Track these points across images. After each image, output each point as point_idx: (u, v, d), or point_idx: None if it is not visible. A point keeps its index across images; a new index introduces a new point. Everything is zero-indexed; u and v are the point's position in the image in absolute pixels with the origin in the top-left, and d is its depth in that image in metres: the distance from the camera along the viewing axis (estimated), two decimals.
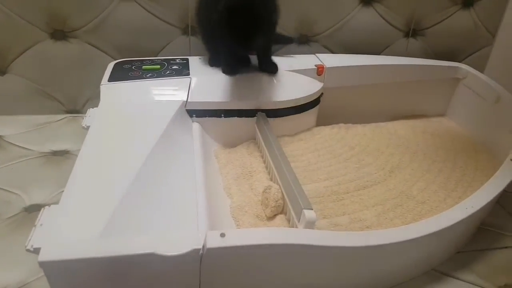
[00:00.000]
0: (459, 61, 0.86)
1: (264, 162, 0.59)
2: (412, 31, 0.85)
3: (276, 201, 0.49)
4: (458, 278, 0.51)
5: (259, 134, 0.62)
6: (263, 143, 0.59)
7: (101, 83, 0.62)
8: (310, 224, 0.43)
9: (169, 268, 0.38)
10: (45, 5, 0.70)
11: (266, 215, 0.50)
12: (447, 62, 0.79)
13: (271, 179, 0.55)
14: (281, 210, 0.50)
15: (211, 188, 0.52)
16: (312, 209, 0.43)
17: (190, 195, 0.46)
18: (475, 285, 0.50)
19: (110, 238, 0.37)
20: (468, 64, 0.79)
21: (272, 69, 0.68)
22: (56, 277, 0.36)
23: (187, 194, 0.46)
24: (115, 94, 0.60)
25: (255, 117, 0.64)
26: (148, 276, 0.38)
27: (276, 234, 0.41)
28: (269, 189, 0.50)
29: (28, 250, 0.36)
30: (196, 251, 0.37)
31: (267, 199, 0.50)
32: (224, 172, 0.58)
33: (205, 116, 0.62)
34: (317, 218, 0.51)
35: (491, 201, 0.49)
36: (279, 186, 0.51)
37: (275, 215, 0.50)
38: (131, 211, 0.41)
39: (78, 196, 0.42)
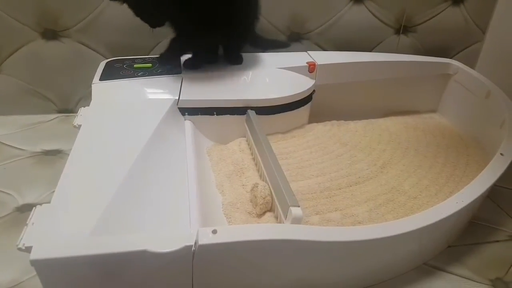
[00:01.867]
0: (450, 57, 0.87)
1: (254, 159, 0.59)
2: (403, 28, 0.86)
3: (264, 198, 0.49)
4: (449, 272, 0.51)
5: (248, 131, 0.62)
6: (252, 141, 0.59)
7: (93, 82, 0.62)
8: (297, 221, 0.43)
9: (162, 265, 0.38)
10: (36, 5, 0.70)
11: (256, 213, 0.50)
12: (438, 58, 0.80)
13: (260, 177, 0.55)
14: (270, 206, 0.50)
15: (204, 185, 0.52)
16: (299, 206, 0.43)
17: (183, 193, 0.46)
18: (467, 278, 0.50)
19: (102, 235, 0.37)
20: (459, 60, 0.79)
21: (235, 61, 0.70)
22: (48, 276, 0.36)
23: (180, 192, 0.46)
24: (106, 92, 0.60)
25: None
26: (141, 273, 0.38)
27: (268, 230, 0.41)
28: (256, 187, 0.50)
29: (19, 249, 0.36)
30: (188, 247, 0.37)
31: (255, 197, 0.50)
32: (216, 169, 0.58)
33: (198, 114, 0.62)
34: (310, 214, 0.52)
35: (482, 195, 0.49)
36: (267, 183, 0.51)
37: (264, 212, 0.50)
38: (123, 209, 0.41)
39: (70, 194, 0.42)
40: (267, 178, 0.52)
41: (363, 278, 0.48)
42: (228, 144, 0.64)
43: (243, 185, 0.54)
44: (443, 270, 0.51)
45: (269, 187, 0.51)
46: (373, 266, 0.47)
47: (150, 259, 0.36)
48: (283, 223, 0.45)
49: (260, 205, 0.49)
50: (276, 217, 0.49)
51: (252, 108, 0.63)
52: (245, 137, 0.64)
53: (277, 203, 0.48)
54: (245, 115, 0.63)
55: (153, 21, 0.60)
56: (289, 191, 0.46)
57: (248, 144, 0.62)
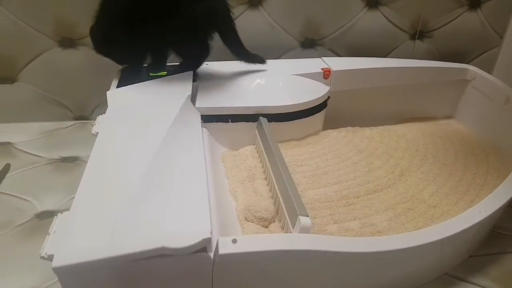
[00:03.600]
0: (467, 63, 0.86)
1: (262, 167, 0.59)
2: (419, 33, 0.85)
3: (259, 219, 0.49)
4: (471, 283, 0.50)
5: (259, 139, 0.61)
6: (262, 148, 0.59)
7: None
8: (305, 231, 0.42)
9: (181, 264, 0.37)
10: (53, 13, 0.71)
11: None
12: (455, 64, 0.79)
13: (268, 184, 0.55)
14: (272, 217, 0.50)
15: (218, 191, 0.52)
16: (307, 216, 0.43)
17: (200, 199, 0.45)
18: None
19: (120, 238, 0.37)
20: (476, 66, 0.78)
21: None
22: (70, 282, 0.36)
23: (197, 198, 0.45)
24: (120, 98, 0.60)
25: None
26: (160, 274, 0.38)
27: (288, 240, 0.40)
28: (248, 210, 0.50)
29: (42, 258, 0.36)
30: (206, 240, 0.36)
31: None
32: (230, 175, 0.58)
33: (213, 121, 0.62)
34: (328, 222, 0.51)
35: (504, 205, 0.48)
36: (276, 191, 0.51)
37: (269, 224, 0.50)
38: (140, 213, 0.40)
39: (89, 201, 0.42)
40: (276, 186, 0.51)
41: None
42: (241, 150, 0.63)
43: (255, 192, 0.54)
44: (465, 281, 0.50)
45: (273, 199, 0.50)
46: (395, 276, 0.46)
47: (169, 257, 0.36)
48: (290, 232, 0.44)
49: (256, 224, 0.49)
50: (282, 227, 0.48)
51: (267, 115, 0.63)
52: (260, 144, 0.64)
53: (285, 211, 0.47)
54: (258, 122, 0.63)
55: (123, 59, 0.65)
56: (299, 199, 0.45)
57: (258, 151, 0.62)
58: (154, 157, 0.47)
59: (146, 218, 0.40)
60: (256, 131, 0.63)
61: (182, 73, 0.64)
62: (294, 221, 0.44)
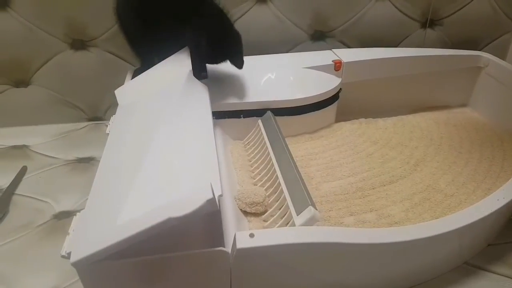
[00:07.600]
0: (480, 50, 0.84)
1: (265, 159, 0.57)
2: (430, 22, 0.84)
3: (249, 204, 0.49)
4: (491, 271, 0.49)
5: (264, 132, 0.60)
6: (268, 142, 0.58)
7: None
8: (312, 222, 0.42)
9: (199, 260, 0.37)
10: (64, 16, 0.71)
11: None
12: (467, 51, 0.77)
13: (271, 177, 0.54)
14: (261, 203, 0.49)
15: (231, 182, 0.52)
16: (316, 209, 0.42)
17: (207, 166, 0.43)
18: (509, 277, 0.49)
19: (128, 223, 0.36)
20: (489, 52, 0.77)
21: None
22: (89, 275, 0.37)
23: (204, 165, 0.44)
24: (128, 93, 0.59)
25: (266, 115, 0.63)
26: (179, 270, 0.38)
27: (306, 233, 0.40)
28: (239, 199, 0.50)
29: (63, 257, 0.36)
30: (210, 202, 0.34)
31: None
32: (238, 167, 0.58)
33: (225, 118, 0.62)
34: (344, 215, 0.51)
35: None
36: (281, 183, 0.50)
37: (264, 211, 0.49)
38: (149, 196, 0.40)
39: (101, 198, 0.42)
40: (281, 178, 0.50)
41: (402, 280, 0.47)
42: (250, 142, 0.63)
43: (262, 185, 0.54)
44: (484, 269, 0.50)
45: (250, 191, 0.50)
46: (414, 267, 0.46)
47: (177, 229, 0.34)
48: (294, 223, 0.43)
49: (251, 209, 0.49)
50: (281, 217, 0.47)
51: (279, 109, 0.63)
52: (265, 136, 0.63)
53: (289, 202, 0.46)
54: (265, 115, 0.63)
55: None
56: (307, 191, 0.45)
57: (258, 144, 0.61)
58: (162, 138, 0.46)
59: (155, 198, 0.39)
60: (261, 124, 0.62)
61: (178, 52, 0.61)
62: (299, 212, 0.43)
